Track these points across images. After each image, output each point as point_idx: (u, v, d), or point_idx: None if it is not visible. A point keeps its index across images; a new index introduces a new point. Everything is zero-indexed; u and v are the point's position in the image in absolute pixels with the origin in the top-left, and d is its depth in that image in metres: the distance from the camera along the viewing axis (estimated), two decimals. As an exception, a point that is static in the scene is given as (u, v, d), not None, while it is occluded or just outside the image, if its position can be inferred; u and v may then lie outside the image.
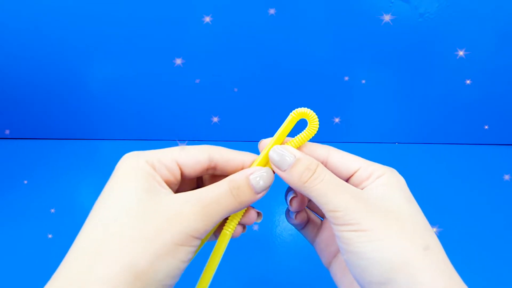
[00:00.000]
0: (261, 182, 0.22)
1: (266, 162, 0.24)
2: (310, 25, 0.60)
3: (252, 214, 0.24)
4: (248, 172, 0.22)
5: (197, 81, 0.66)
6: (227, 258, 0.47)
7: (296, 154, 0.22)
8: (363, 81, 0.65)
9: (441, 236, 0.52)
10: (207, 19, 0.60)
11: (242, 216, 0.24)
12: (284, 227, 0.53)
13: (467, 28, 0.60)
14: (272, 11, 0.58)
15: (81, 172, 0.63)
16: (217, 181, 0.22)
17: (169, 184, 0.22)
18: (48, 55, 0.63)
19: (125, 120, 0.70)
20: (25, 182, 0.62)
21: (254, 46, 0.62)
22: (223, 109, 0.68)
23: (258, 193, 0.22)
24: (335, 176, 0.22)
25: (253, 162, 0.24)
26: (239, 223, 0.24)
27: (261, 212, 0.25)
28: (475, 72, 0.64)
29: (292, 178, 0.21)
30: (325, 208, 0.21)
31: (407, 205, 0.22)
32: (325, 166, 0.23)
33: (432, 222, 0.56)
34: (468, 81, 0.65)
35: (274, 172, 0.23)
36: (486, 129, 0.70)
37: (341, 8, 0.59)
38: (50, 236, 0.51)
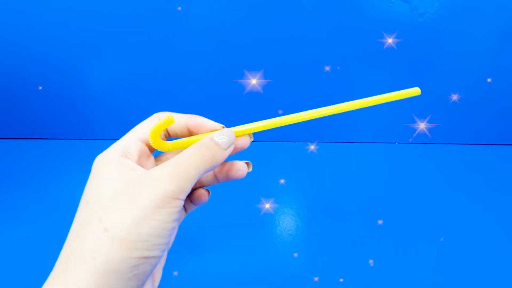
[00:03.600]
0: (225, 138, 0.24)
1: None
2: (311, 25, 0.60)
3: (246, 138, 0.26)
4: (210, 135, 0.24)
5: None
6: (227, 258, 0.47)
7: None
8: (364, 81, 0.65)
9: (440, 235, 0.52)
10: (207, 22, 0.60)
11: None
12: (284, 227, 0.53)
13: (467, 28, 0.60)
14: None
15: (81, 172, 0.63)
16: None
17: (143, 165, 0.24)
18: (49, 56, 0.63)
19: (126, 120, 0.70)
20: (25, 182, 0.62)
21: (256, 44, 0.62)
22: (223, 109, 0.68)
23: (225, 148, 0.24)
24: None
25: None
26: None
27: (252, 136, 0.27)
28: (475, 72, 0.64)
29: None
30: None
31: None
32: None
33: (432, 221, 0.56)
34: (468, 81, 0.65)
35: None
36: (487, 128, 0.70)
37: (341, 8, 0.59)
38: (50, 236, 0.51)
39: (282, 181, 0.61)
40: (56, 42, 0.62)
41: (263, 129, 0.26)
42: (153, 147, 0.24)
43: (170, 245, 0.26)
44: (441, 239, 0.50)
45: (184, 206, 0.27)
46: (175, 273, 0.46)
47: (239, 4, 0.59)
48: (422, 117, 0.69)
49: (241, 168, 0.26)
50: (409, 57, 0.63)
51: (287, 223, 0.53)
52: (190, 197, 0.27)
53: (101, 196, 0.21)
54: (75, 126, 0.71)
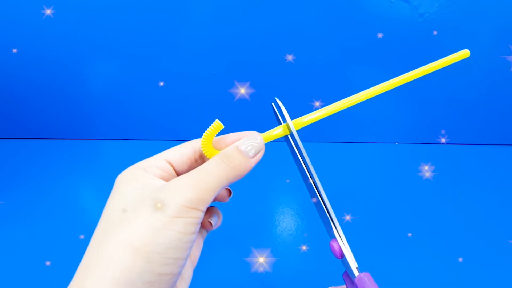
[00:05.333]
0: (251, 148, 0.23)
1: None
2: (311, 26, 0.60)
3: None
4: (237, 143, 0.23)
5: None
6: (225, 258, 0.47)
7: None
8: (363, 81, 0.65)
9: (442, 236, 0.52)
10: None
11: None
12: (284, 227, 0.53)
13: (468, 28, 0.60)
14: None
15: (82, 172, 0.63)
16: None
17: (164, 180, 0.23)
18: (49, 55, 0.63)
19: (127, 120, 0.70)
20: (25, 182, 0.62)
21: (262, 47, 0.62)
22: (223, 109, 0.68)
23: (252, 157, 0.23)
24: None
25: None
26: None
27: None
28: (475, 73, 0.64)
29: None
30: None
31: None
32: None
33: (433, 221, 0.56)
34: (468, 81, 0.65)
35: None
36: (488, 129, 0.70)
37: (340, 8, 0.59)
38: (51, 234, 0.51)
39: (287, 181, 0.61)
40: (57, 41, 0.62)
41: (304, 125, 0.26)
42: (205, 155, 0.23)
43: (195, 263, 0.26)
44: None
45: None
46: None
47: (244, 2, 0.59)
48: (422, 117, 0.69)
49: (223, 194, 0.27)
50: (408, 57, 0.63)
51: (288, 222, 0.53)
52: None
53: (121, 207, 0.20)
54: (76, 126, 0.71)
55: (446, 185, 0.61)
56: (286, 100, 0.69)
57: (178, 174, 0.24)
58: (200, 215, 0.21)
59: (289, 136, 0.26)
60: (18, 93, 0.67)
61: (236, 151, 0.22)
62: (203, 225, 0.25)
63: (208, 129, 0.23)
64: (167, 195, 0.20)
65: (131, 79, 0.66)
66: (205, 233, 0.27)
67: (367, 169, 0.65)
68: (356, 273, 0.24)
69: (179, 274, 0.20)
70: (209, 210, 0.26)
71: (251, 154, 0.23)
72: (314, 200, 0.25)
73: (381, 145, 0.71)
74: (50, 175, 0.63)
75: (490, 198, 0.58)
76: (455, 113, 0.68)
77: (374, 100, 0.67)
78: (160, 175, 0.23)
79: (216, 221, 0.26)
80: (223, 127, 0.23)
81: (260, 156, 0.24)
